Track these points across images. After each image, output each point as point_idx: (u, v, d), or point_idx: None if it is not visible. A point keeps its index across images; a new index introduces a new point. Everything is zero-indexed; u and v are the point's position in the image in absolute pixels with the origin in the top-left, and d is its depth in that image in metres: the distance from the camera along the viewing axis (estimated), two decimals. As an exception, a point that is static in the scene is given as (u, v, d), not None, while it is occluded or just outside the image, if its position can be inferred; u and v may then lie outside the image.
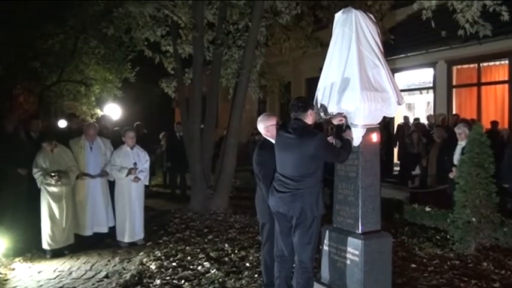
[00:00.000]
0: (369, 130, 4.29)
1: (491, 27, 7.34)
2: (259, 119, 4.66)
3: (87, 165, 7.02)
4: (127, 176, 6.99)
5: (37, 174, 6.44)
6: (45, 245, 6.47)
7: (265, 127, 4.54)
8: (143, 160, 7.26)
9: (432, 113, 13.20)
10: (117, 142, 7.49)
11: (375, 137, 4.33)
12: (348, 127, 4.30)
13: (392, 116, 4.67)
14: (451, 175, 6.99)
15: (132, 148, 7.18)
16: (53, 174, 6.40)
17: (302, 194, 4.06)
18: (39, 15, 13.79)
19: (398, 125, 13.24)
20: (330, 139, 4.35)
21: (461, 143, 6.89)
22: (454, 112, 12.44)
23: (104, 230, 7.16)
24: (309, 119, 4.20)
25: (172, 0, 9.41)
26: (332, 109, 4.39)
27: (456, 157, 6.94)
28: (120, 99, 17.60)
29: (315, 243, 4.16)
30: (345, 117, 4.32)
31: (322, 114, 4.51)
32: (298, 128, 4.13)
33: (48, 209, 6.48)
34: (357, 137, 4.24)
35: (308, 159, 4.04)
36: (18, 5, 13.22)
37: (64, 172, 6.56)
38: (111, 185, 7.28)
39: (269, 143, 4.49)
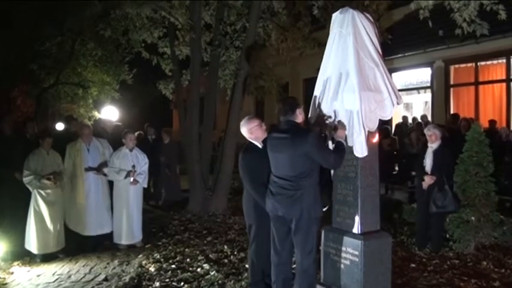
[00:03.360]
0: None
1: (489, 26, 7.34)
2: (241, 124, 4.71)
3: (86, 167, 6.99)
4: (125, 178, 6.97)
5: (29, 178, 6.34)
6: (34, 249, 6.41)
7: (249, 129, 4.60)
8: (142, 162, 7.24)
9: (430, 113, 13.20)
10: (117, 142, 7.47)
11: (373, 137, 4.32)
12: (341, 123, 4.25)
13: (387, 119, 4.60)
14: (424, 185, 6.33)
15: (131, 150, 7.17)
16: (50, 176, 6.38)
17: (301, 195, 4.04)
18: (36, 17, 13.76)
19: (397, 125, 13.25)
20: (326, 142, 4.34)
21: (432, 146, 6.39)
22: (452, 111, 12.45)
23: (108, 230, 7.09)
24: (299, 118, 4.22)
25: (169, 2, 9.41)
26: (329, 110, 4.37)
27: (428, 161, 6.39)
28: (118, 101, 17.61)
29: (314, 246, 4.16)
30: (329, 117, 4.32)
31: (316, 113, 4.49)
32: (290, 128, 4.16)
33: (40, 213, 6.42)
34: (360, 144, 4.15)
35: (302, 158, 4.03)
36: (15, 7, 13.19)
37: (58, 173, 6.55)
38: (111, 186, 7.26)
39: (253, 146, 4.56)
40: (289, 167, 4.08)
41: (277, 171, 4.21)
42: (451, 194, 6.21)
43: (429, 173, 6.34)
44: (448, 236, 6.47)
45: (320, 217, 4.18)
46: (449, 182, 6.33)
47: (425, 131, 6.66)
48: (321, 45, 11.03)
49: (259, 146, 4.61)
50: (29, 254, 6.46)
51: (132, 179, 6.99)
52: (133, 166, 7.02)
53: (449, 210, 6.28)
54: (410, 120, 13.46)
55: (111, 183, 7.21)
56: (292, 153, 4.05)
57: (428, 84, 13.50)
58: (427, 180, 6.31)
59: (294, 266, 4.40)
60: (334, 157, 4.13)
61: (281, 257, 4.29)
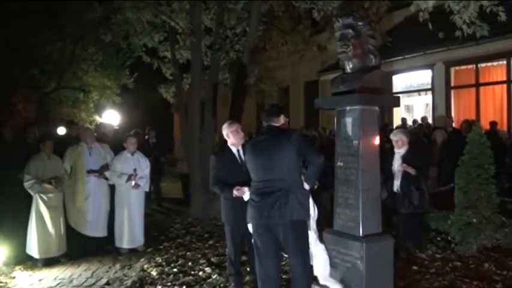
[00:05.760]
0: (368, 132, 4.28)
1: (489, 28, 7.35)
2: (223, 126, 4.91)
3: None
4: (126, 182, 6.97)
5: (30, 182, 6.34)
6: (35, 254, 6.40)
7: (226, 134, 4.85)
8: (143, 166, 7.24)
9: (430, 114, 13.20)
10: (117, 147, 7.48)
11: (375, 140, 4.32)
12: None
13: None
14: (395, 188, 6.29)
15: (132, 154, 7.17)
16: (51, 180, 6.38)
17: (288, 198, 3.92)
18: (37, 22, 13.80)
19: (397, 127, 13.23)
20: None
21: (399, 151, 6.28)
22: (453, 113, 12.45)
23: (102, 234, 7.12)
24: (281, 122, 4.24)
25: (170, 6, 9.43)
26: None
27: (396, 166, 6.28)
28: (119, 105, 17.63)
29: (308, 250, 4.15)
30: None
31: None
32: (272, 130, 4.17)
33: (42, 217, 6.42)
34: None
35: (292, 157, 3.96)
36: (16, 12, 13.23)
37: (59, 178, 6.56)
38: (113, 190, 7.26)
39: (227, 148, 4.82)
40: (274, 169, 3.97)
41: (259, 177, 4.08)
42: (427, 194, 6.30)
43: (400, 178, 6.26)
44: (450, 238, 6.45)
45: (309, 219, 4.15)
46: (425, 182, 6.38)
47: (391, 136, 6.45)
48: (321, 48, 11.13)
49: (235, 151, 4.84)
50: (31, 258, 6.46)
51: (133, 182, 6.99)
52: (135, 170, 7.02)
53: (426, 210, 6.46)
54: (410, 122, 13.44)
55: (112, 188, 7.23)
56: (276, 154, 3.97)
57: (429, 86, 13.51)
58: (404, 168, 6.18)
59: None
60: (318, 152, 4.21)
61: (267, 269, 4.06)
